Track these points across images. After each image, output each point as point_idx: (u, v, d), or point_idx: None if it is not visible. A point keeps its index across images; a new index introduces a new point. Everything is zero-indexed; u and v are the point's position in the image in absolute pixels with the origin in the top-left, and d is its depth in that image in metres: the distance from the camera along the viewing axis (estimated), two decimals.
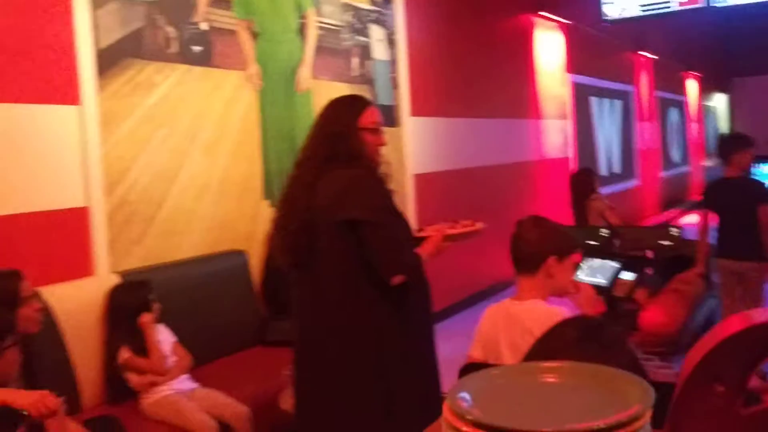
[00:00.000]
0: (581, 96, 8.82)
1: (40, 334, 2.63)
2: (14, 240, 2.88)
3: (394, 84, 5.31)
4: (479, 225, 2.54)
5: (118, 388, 2.99)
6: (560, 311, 1.86)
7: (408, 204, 5.43)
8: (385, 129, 5.15)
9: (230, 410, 2.93)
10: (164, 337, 3.10)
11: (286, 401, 2.68)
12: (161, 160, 3.50)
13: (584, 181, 6.06)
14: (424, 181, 5.58)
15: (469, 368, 1.77)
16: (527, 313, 1.96)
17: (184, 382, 3.05)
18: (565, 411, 0.75)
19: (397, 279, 2.26)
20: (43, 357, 2.56)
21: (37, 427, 1.96)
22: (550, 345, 0.97)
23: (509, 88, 7.04)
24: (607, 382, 0.78)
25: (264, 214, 4.04)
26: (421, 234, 2.50)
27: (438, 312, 5.50)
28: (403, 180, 5.38)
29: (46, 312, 2.82)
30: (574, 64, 8.48)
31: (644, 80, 11.49)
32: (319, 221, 2.26)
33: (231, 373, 3.33)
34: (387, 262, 2.24)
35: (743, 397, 0.68)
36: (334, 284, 2.30)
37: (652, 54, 11.50)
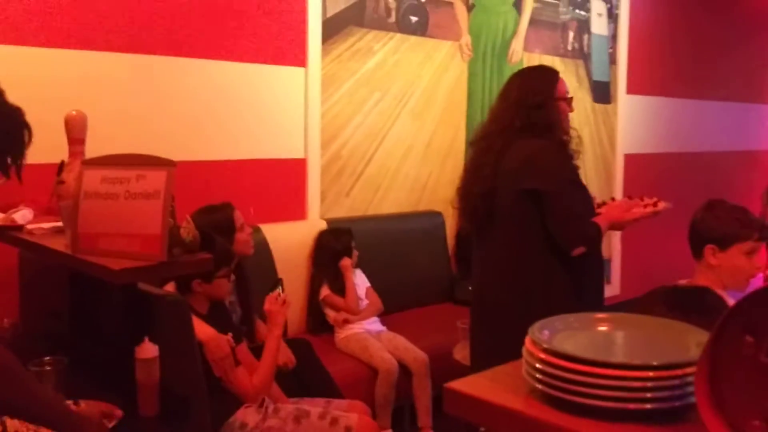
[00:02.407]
0: None
1: (257, 264, 3.06)
2: (243, 181, 3.35)
3: (612, 60, 5.17)
4: (662, 205, 2.44)
5: (317, 321, 3.38)
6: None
7: (615, 183, 5.30)
8: (598, 106, 5.10)
9: (411, 355, 3.17)
10: (360, 281, 3.42)
11: (459, 352, 2.85)
12: (373, 121, 3.81)
13: None
14: (635, 161, 5.40)
15: None
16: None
17: (374, 324, 3.35)
18: (627, 351, 0.84)
19: (578, 250, 2.28)
20: (258, 283, 2.97)
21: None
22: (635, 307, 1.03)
23: (747, 69, 6.48)
24: (673, 333, 0.85)
25: None
26: (600, 210, 2.49)
27: (632, 300, 5.36)
28: (612, 159, 5.26)
29: (264, 246, 3.26)
30: None
31: None
32: (502, 187, 2.33)
33: (417, 323, 3.58)
34: (569, 234, 2.26)
35: None
36: (511, 249, 2.36)
37: None
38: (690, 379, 0.77)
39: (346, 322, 3.28)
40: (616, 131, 5.25)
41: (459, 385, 0.87)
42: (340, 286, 3.33)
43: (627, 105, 5.30)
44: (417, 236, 3.96)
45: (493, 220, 2.37)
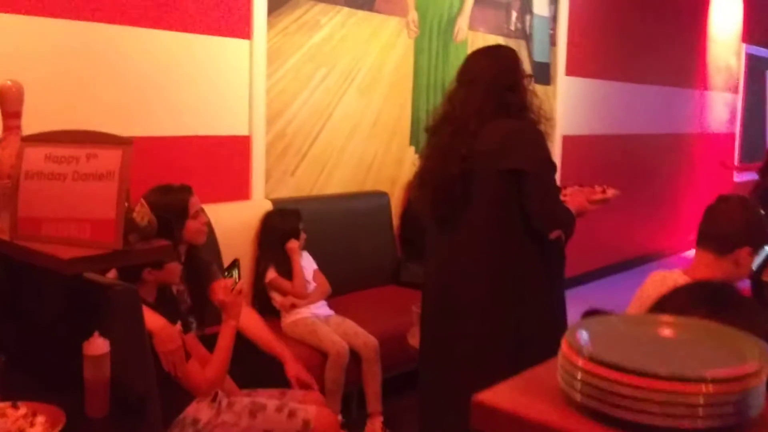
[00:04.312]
0: (756, 69, 8.15)
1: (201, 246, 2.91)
2: (184, 159, 3.17)
3: (552, 41, 5.19)
4: (611, 192, 2.44)
5: (263, 305, 3.25)
6: None
7: None
8: (539, 87, 5.11)
9: (361, 339, 3.10)
10: (307, 264, 3.31)
11: (413, 337, 2.79)
12: (318, 98, 3.68)
13: None
14: (572, 142, 5.46)
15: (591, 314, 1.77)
16: None
17: (322, 308, 3.25)
18: (676, 360, 0.78)
19: (555, 233, 2.25)
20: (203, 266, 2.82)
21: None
22: (665, 306, 0.99)
23: (675, 55, 6.65)
24: (724, 339, 0.79)
25: (408, 160, 4.16)
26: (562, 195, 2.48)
27: (572, 277, 5.45)
28: (551, 140, 5.29)
29: (209, 227, 3.10)
30: (751, 34, 7.85)
31: None
32: (479, 168, 2.23)
33: (364, 306, 3.51)
34: (549, 216, 2.23)
35: None
36: (487, 231, 2.27)
37: None
38: (748, 392, 0.72)
39: (294, 306, 3.17)
40: (555, 112, 5.29)
41: (489, 397, 0.80)
42: (286, 269, 3.21)
43: (566, 86, 5.34)
44: (362, 217, 3.87)
45: (468, 203, 2.27)
